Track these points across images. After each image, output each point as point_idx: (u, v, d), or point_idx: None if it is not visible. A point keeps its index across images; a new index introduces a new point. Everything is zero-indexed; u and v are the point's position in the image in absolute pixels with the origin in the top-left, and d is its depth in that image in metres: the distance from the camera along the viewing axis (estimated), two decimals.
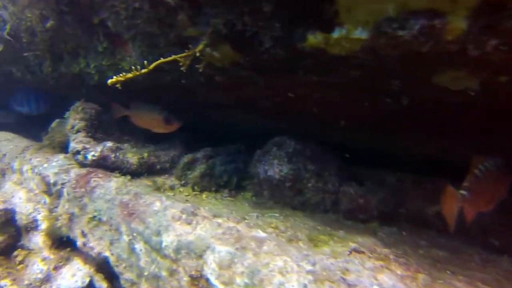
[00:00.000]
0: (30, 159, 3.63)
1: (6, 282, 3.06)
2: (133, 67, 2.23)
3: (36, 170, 3.51)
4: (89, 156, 3.16)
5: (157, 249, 2.31)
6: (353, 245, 2.28)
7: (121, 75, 2.17)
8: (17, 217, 3.43)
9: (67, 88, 3.94)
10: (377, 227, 2.79)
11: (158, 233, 2.34)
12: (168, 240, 2.26)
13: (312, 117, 2.81)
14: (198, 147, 3.65)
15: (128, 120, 3.68)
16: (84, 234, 2.89)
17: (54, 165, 3.32)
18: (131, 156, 3.27)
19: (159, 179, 3.28)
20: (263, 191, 3.15)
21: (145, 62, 2.16)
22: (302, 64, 2.16)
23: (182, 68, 2.20)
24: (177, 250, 2.19)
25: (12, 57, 3.84)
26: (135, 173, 3.25)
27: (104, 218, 2.73)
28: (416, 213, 2.89)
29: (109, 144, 3.24)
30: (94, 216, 2.79)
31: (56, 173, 3.22)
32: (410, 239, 2.58)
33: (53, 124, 4.02)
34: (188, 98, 3.20)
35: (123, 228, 2.57)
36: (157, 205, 2.51)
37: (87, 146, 3.20)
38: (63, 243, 3.25)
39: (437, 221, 2.81)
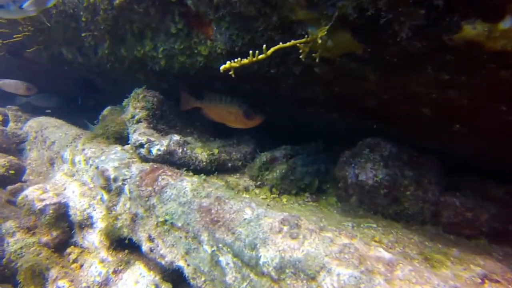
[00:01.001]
0: (83, 149, 3.48)
1: (64, 283, 2.95)
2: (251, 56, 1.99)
3: (90, 162, 3.35)
4: (154, 151, 2.98)
5: (252, 265, 2.12)
6: (478, 269, 2.07)
7: (235, 60, 1.95)
8: (71, 212, 3.30)
9: (122, 73, 3.76)
10: (487, 245, 2.55)
11: (253, 247, 2.15)
12: (268, 256, 2.07)
13: (418, 118, 2.57)
14: (269, 144, 3.44)
15: (189, 111, 3.49)
16: (151, 239, 2.73)
17: (113, 158, 3.16)
18: (200, 152, 3.08)
19: (231, 179, 3.09)
20: (349, 196, 2.93)
21: (264, 46, 1.92)
22: (437, 59, 1.91)
23: (301, 56, 1.97)
24: (281, 269, 2.00)
25: (64, 37, 3.68)
26: (203, 171, 3.07)
27: (179, 224, 2.55)
28: None
29: (176, 137, 3.05)
30: (166, 220, 2.62)
31: (116, 168, 3.06)
32: None
33: (105, 112, 3.86)
34: (267, 90, 2.98)
35: (205, 237, 2.39)
36: (248, 212, 2.32)
37: (152, 138, 3.02)
38: (120, 244, 3.10)
39: None
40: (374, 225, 2.57)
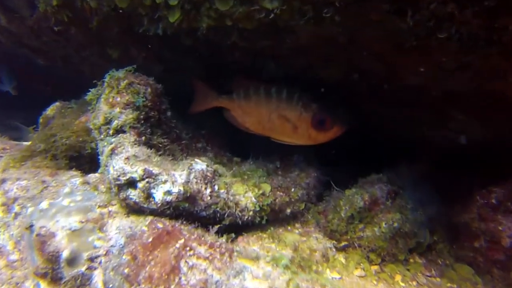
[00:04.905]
0: (4, 181, 1.46)
1: None
2: None
3: (16, 208, 1.37)
4: (159, 194, 1.14)
5: None
6: None
7: None
8: None
9: (81, 47, 1.80)
10: None
11: None
12: None
13: None
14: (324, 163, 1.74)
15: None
16: None
17: (66, 207, 1.21)
18: (243, 193, 1.30)
19: (295, 237, 1.36)
20: (495, 265, 1.37)
21: None
22: None
23: None
24: None
25: None
26: (248, 226, 1.30)
27: None
28: None
29: (200, 165, 1.24)
30: None
31: (74, 233, 1.13)
32: None
33: (49, 111, 1.87)
34: (378, 77, 1.30)
35: None
36: None
37: (153, 169, 1.16)
38: None
39: None
40: None
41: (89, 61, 1.97)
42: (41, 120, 1.85)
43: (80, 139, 1.63)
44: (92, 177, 1.42)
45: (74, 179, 1.41)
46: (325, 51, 1.22)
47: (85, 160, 1.63)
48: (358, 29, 1.07)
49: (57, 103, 1.89)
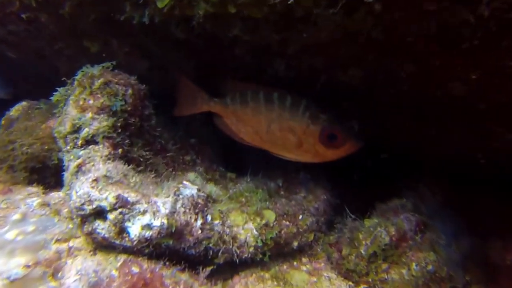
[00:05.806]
0: None
1: None
2: None
3: None
4: (136, 230, 0.85)
5: None
6: None
7: None
8: None
9: (54, 39, 1.49)
10: None
11: None
12: None
13: None
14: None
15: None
16: None
17: (10, 244, 0.92)
18: (242, 223, 1.02)
19: (304, 277, 1.08)
20: None
21: None
22: None
23: None
24: None
25: None
26: (247, 263, 1.02)
27: None
28: None
29: (190, 190, 0.96)
30: None
31: (13, 284, 0.83)
32: None
33: (13, 112, 1.55)
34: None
35: None
36: None
37: (129, 196, 0.87)
38: None
39: None
40: None
41: (64, 56, 1.66)
42: (3, 122, 1.53)
43: (46, 147, 1.33)
44: (55, 197, 1.12)
45: (31, 199, 1.10)
46: (350, 49, 0.96)
47: (51, 172, 1.32)
48: (401, 22, 0.81)
49: (24, 103, 1.57)
